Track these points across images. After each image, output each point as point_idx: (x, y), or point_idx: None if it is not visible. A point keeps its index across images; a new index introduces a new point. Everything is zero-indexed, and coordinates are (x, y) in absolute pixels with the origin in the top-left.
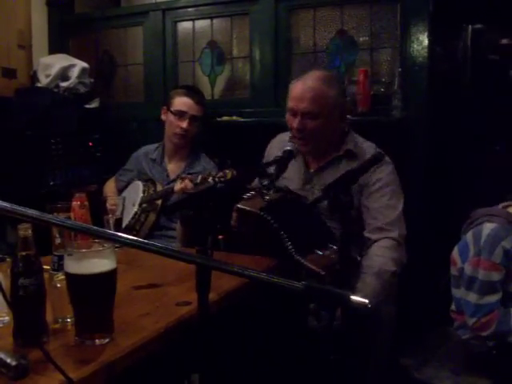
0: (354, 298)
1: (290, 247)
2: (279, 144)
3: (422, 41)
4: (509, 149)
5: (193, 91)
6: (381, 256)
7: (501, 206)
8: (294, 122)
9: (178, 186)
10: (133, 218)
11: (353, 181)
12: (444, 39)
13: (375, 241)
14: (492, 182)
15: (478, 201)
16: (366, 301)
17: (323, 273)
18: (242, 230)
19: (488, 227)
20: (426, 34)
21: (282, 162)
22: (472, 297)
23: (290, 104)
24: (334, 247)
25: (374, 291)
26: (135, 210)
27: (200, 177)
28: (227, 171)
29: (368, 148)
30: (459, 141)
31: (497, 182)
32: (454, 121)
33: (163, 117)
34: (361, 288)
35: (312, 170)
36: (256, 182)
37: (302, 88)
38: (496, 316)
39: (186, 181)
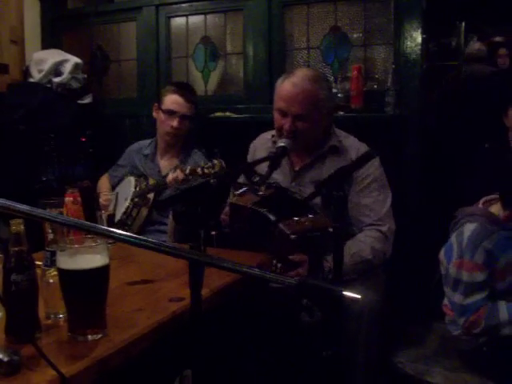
0: (347, 293)
1: (271, 216)
2: (263, 145)
3: (415, 38)
4: (501, 146)
5: (183, 89)
6: (362, 242)
7: (482, 201)
8: (285, 124)
9: (170, 176)
10: (124, 212)
11: (346, 177)
12: (437, 36)
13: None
14: (485, 178)
15: (470, 197)
16: (359, 296)
17: (293, 236)
18: (235, 225)
19: (468, 228)
20: (419, 30)
21: (276, 158)
22: (458, 298)
23: (280, 105)
24: (310, 215)
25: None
26: (127, 204)
27: (189, 168)
28: (215, 162)
29: (352, 143)
30: (452, 138)
31: (489, 179)
32: (447, 118)
33: (155, 114)
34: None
35: (297, 168)
36: (243, 178)
37: (293, 90)
38: (483, 312)
39: (178, 171)
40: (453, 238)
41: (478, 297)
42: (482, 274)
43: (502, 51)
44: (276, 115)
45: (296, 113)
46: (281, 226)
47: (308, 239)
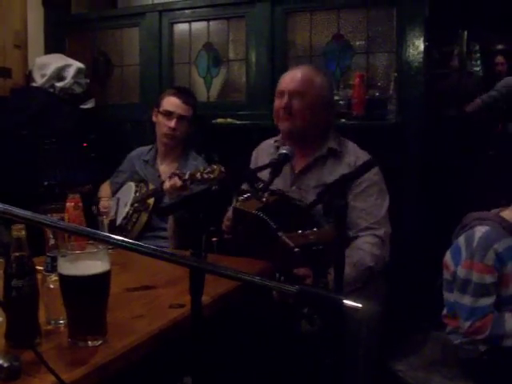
0: (347, 302)
1: (273, 224)
2: (266, 151)
3: (417, 46)
4: (502, 153)
5: (181, 91)
6: (361, 250)
7: (492, 211)
8: (282, 102)
9: (166, 183)
10: (124, 218)
11: (347, 185)
12: (440, 44)
13: (361, 236)
14: (486, 186)
15: (472, 205)
16: (360, 305)
17: (297, 249)
18: (237, 230)
19: (480, 230)
20: (421, 38)
21: (278, 165)
22: (467, 300)
23: (279, 88)
24: (315, 229)
25: (346, 279)
26: (127, 209)
27: (188, 173)
28: (215, 166)
29: (351, 147)
30: (454, 145)
31: (490, 187)
32: (449, 126)
33: (154, 118)
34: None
35: (297, 171)
36: (246, 185)
37: (293, 72)
38: (490, 320)
39: (175, 178)
40: (461, 241)
41: (486, 301)
42: (491, 276)
43: (500, 59)
44: (275, 102)
45: (293, 89)
46: (284, 238)
47: (312, 252)
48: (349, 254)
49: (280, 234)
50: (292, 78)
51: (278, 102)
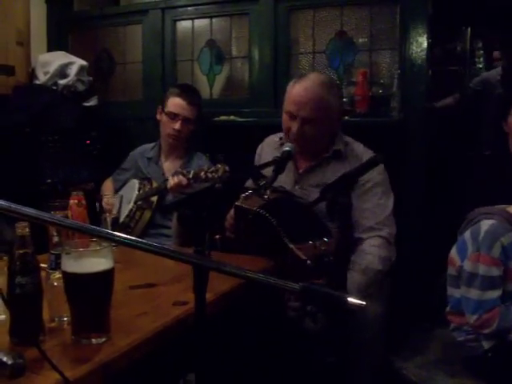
0: (351, 299)
1: (282, 232)
2: (270, 146)
3: (421, 43)
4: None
5: (187, 92)
6: (369, 254)
7: (498, 206)
8: (293, 127)
9: (171, 181)
10: (127, 215)
11: (351, 183)
12: (443, 41)
13: (366, 239)
14: (486, 183)
15: (474, 202)
16: (363, 303)
17: (309, 262)
18: (239, 228)
19: (486, 223)
20: (425, 36)
21: (281, 162)
22: (474, 293)
23: (289, 108)
24: (326, 239)
25: (358, 287)
26: (130, 207)
27: (192, 172)
28: (219, 166)
29: (357, 148)
30: (457, 143)
31: (490, 184)
32: (452, 123)
33: (158, 117)
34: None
35: (301, 171)
36: (250, 183)
37: (304, 94)
38: (497, 313)
39: (180, 176)
40: (467, 235)
41: (494, 294)
42: (497, 269)
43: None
44: (284, 117)
45: (305, 116)
46: (295, 251)
47: (324, 264)
48: (357, 260)
49: (291, 246)
50: (304, 101)
51: (288, 122)
